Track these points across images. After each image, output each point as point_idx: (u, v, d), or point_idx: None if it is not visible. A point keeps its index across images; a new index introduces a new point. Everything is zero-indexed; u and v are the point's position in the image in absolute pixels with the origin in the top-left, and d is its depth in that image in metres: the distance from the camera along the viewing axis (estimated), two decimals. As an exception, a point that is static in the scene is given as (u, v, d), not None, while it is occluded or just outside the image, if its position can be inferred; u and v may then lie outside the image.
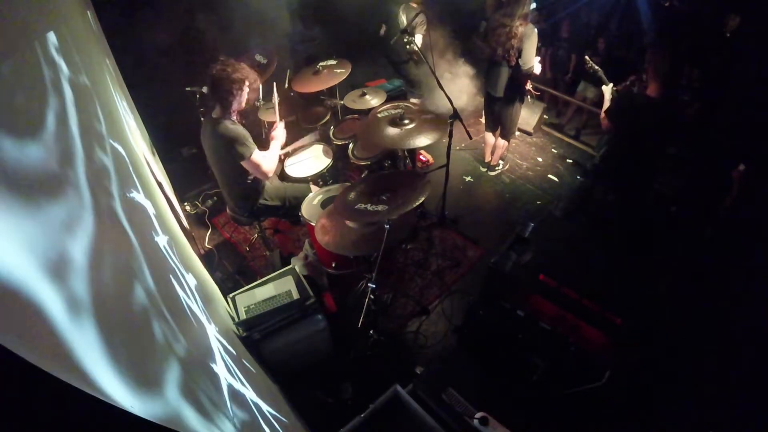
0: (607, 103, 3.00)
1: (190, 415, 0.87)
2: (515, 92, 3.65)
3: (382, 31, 4.46)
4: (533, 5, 3.32)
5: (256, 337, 2.22)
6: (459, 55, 4.09)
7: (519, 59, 3.36)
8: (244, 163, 2.49)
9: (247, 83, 2.44)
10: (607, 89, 3.02)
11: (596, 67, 3.17)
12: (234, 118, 2.53)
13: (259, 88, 3.55)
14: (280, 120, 2.78)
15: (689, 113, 3.99)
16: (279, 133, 2.72)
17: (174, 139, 4.00)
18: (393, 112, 2.86)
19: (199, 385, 1.04)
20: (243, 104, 2.52)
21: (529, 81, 3.71)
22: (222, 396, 1.16)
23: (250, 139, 2.50)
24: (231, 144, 2.42)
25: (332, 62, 3.60)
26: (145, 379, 0.78)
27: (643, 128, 2.69)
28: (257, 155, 2.50)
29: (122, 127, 2.02)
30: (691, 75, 4.06)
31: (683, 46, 4.31)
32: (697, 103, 3.98)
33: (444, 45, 4.01)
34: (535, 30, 3.32)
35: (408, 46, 3.98)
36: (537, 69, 3.48)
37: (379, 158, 3.26)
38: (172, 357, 0.97)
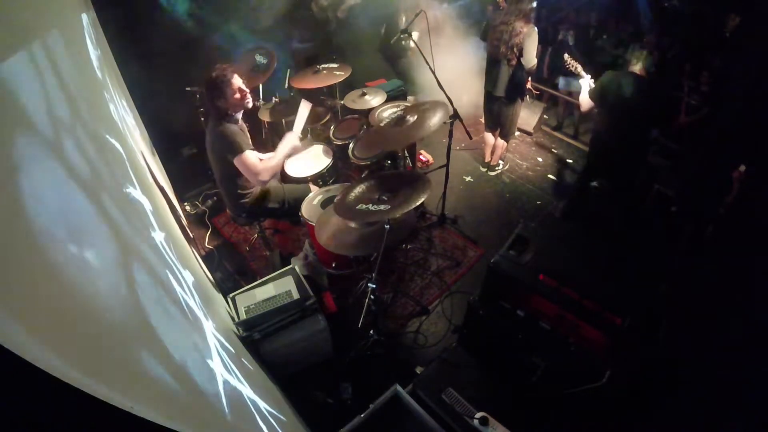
0: (587, 88, 3.12)
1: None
2: (515, 92, 3.65)
3: (383, 30, 4.47)
4: (534, 4, 3.32)
5: (256, 337, 2.22)
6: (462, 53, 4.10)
7: (521, 58, 3.36)
8: (235, 161, 2.46)
9: (231, 85, 2.38)
10: (585, 81, 3.15)
11: (575, 63, 3.23)
12: (236, 119, 2.52)
13: (259, 88, 3.56)
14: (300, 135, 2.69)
15: (691, 120, 3.97)
16: (290, 138, 2.61)
17: (174, 139, 4.00)
18: (394, 115, 2.86)
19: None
20: (236, 105, 2.46)
21: (529, 80, 3.72)
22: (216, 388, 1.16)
23: (247, 140, 2.49)
24: (225, 140, 2.43)
25: (333, 65, 3.60)
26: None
27: (629, 105, 2.79)
28: (250, 155, 2.47)
29: (120, 126, 2.03)
30: (700, 78, 4.04)
31: (682, 45, 4.32)
32: (705, 108, 3.96)
33: (446, 43, 4.02)
34: (536, 28, 3.32)
35: (403, 43, 3.99)
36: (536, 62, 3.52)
37: (379, 158, 3.26)
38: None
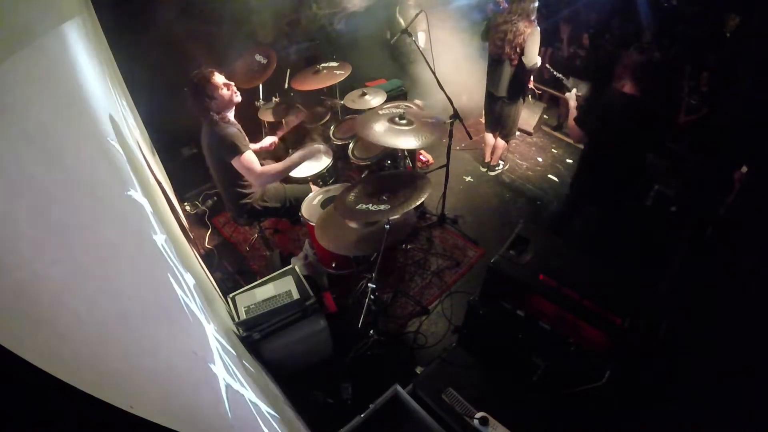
0: (573, 111, 2.76)
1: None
2: (517, 92, 3.66)
3: (389, 35, 4.48)
4: (536, 3, 3.32)
5: (256, 337, 2.22)
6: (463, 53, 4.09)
7: (522, 57, 3.37)
8: (234, 162, 2.45)
9: (214, 82, 2.35)
10: (571, 95, 2.83)
11: (557, 75, 3.15)
12: (229, 120, 2.50)
13: (259, 88, 3.56)
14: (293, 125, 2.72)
15: (693, 119, 3.97)
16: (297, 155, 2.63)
17: (174, 139, 3.99)
18: (393, 111, 2.85)
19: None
20: (228, 101, 2.44)
21: (531, 80, 3.72)
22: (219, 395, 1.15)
23: (245, 141, 2.48)
24: (223, 142, 2.41)
25: (333, 63, 3.60)
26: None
27: (621, 128, 2.45)
28: (249, 155, 2.46)
29: (120, 126, 2.02)
30: (699, 78, 4.05)
31: (682, 45, 4.32)
32: (705, 108, 3.97)
33: (448, 42, 4.01)
34: (538, 28, 3.33)
35: (405, 43, 3.97)
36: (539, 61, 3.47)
37: (379, 158, 3.26)
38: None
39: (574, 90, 2.87)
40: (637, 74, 2.36)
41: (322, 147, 2.84)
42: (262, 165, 2.57)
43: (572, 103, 2.79)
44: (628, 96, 2.41)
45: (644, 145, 2.57)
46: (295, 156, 2.66)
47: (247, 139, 2.58)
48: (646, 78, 2.36)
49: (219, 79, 2.39)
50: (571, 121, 2.73)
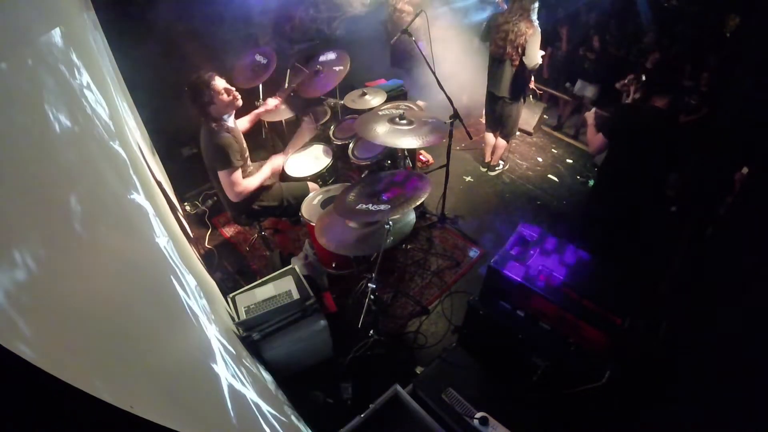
0: (591, 128, 2.82)
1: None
2: (518, 92, 3.66)
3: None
4: (536, 3, 3.33)
5: (256, 337, 2.22)
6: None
7: (523, 57, 3.37)
8: (220, 174, 2.47)
9: (213, 87, 2.34)
10: (590, 114, 2.91)
11: (572, 90, 3.15)
12: (227, 127, 2.48)
13: (259, 88, 3.55)
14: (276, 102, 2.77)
15: (693, 119, 3.97)
16: (276, 161, 2.72)
17: (174, 139, 4.00)
18: (394, 111, 2.85)
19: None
20: (228, 106, 2.43)
21: (533, 80, 3.72)
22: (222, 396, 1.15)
23: (238, 155, 2.47)
24: (217, 150, 2.41)
25: (331, 56, 3.55)
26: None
27: (654, 141, 2.52)
28: (236, 174, 2.48)
29: (122, 128, 2.02)
30: (700, 78, 4.06)
31: (682, 45, 4.32)
32: (705, 108, 3.97)
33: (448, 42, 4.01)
34: (539, 28, 3.33)
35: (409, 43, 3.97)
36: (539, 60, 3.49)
37: (379, 158, 3.26)
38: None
39: (593, 109, 2.94)
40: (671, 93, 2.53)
41: (280, 161, 2.82)
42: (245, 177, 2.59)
43: (590, 121, 2.88)
44: (663, 110, 2.51)
45: (674, 151, 2.64)
46: (265, 168, 2.71)
47: (244, 146, 2.57)
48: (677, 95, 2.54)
49: (219, 83, 2.38)
50: (591, 135, 2.82)
